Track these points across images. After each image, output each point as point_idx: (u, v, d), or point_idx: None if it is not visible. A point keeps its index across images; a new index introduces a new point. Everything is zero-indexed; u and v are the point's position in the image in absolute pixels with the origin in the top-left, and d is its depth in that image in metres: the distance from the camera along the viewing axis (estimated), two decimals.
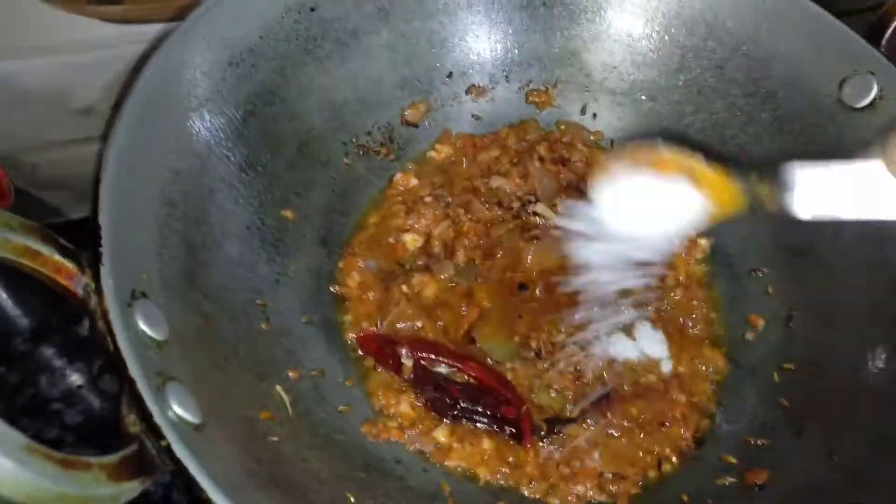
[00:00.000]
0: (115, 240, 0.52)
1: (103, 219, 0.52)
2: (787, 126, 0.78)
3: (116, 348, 0.47)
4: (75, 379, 0.79)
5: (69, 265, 0.51)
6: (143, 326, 0.50)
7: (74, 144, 0.78)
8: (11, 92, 0.72)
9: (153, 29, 0.72)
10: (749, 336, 0.74)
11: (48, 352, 0.80)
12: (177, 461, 0.44)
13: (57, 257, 0.50)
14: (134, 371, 0.46)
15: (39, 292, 0.80)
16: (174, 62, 0.63)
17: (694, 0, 0.80)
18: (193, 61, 0.65)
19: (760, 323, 0.74)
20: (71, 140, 0.78)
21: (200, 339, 0.57)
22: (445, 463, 0.65)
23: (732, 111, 0.82)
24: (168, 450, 0.44)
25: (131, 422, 0.47)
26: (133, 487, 0.43)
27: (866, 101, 0.72)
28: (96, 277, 0.50)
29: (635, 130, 0.87)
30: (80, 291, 0.51)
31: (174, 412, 0.47)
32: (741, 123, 0.81)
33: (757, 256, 0.78)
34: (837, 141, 0.74)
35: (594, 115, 0.88)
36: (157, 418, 0.45)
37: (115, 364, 0.47)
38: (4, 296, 0.76)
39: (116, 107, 0.62)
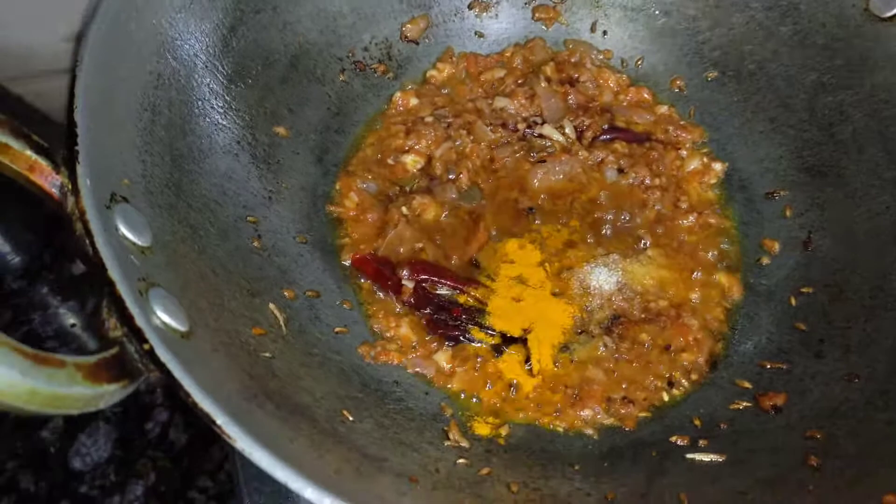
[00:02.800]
0: (93, 140, 0.48)
1: (79, 116, 0.48)
2: (808, 40, 0.73)
3: (95, 249, 0.44)
4: (69, 317, 0.77)
5: (43, 163, 0.47)
6: (123, 230, 0.47)
7: (61, 75, 0.74)
8: None
9: None
10: (764, 261, 0.71)
11: (42, 290, 0.78)
12: (160, 365, 0.41)
13: (29, 153, 0.47)
14: (114, 272, 0.43)
15: (31, 230, 0.77)
16: None
17: None
18: None
19: (776, 247, 0.71)
20: (58, 70, 0.73)
21: (188, 250, 0.54)
22: (447, 386, 0.63)
23: (751, 26, 0.77)
24: (151, 353, 0.41)
25: (112, 325, 0.44)
26: (113, 391, 0.41)
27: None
28: (73, 177, 0.46)
29: (648, 49, 0.82)
30: (55, 192, 0.48)
31: (158, 317, 0.44)
32: (760, 39, 0.76)
33: (774, 178, 0.74)
34: (863, 55, 0.70)
35: (604, 33, 0.83)
36: (139, 321, 0.42)
37: (94, 266, 0.44)
38: None
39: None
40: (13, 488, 0.68)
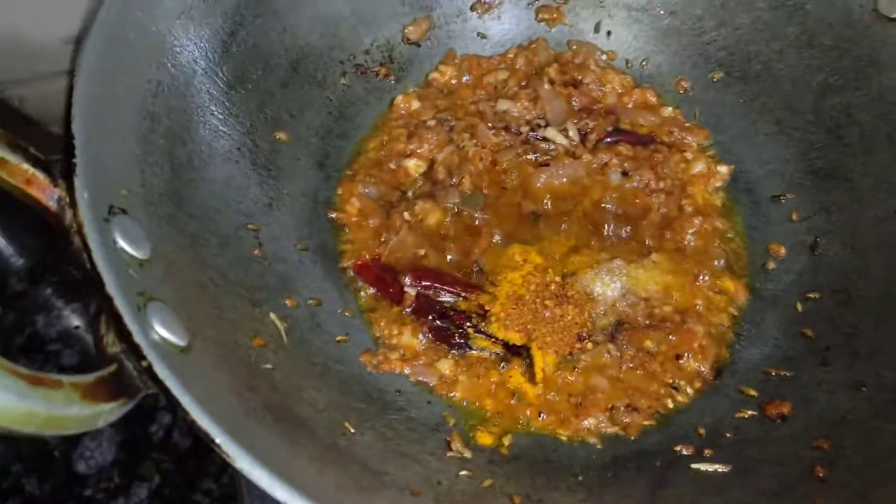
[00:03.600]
0: (91, 151, 0.48)
1: (77, 127, 0.48)
2: (815, 40, 0.72)
3: (93, 264, 0.44)
4: (73, 320, 0.77)
5: (40, 176, 0.47)
6: (122, 243, 0.47)
7: (63, 77, 0.74)
8: None
9: None
10: (771, 265, 0.70)
11: (45, 292, 0.78)
12: (158, 382, 0.41)
13: (26, 166, 0.46)
14: (112, 288, 0.43)
15: (35, 233, 0.77)
16: None
17: None
18: None
19: (783, 251, 0.70)
20: (60, 72, 0.72)
21: (187, 261, 0.53)
22: (450, 395, 0.62)
23: (757, 26, 0.76)
24: (149, 370, 0.41)
25: (110, 342, 0.43)
26: (111, 409, 0.40)
27: None
28: (70, 189, 0.46)
29: (652, 49, 0.81)
30: (53, 205, 0.48)
31: (157, 332, 0.44)
32: (766, 39, 0.75)
33: (780, 181, 0.73)
34: (871, 56, 0.69)
35: (608, 34, 0.82)
36: (137, 337, 0.41)
37: (92, 281, 0.44)
38: None
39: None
40: (18, 491, 0.68)
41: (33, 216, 0.76)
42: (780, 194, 0.73)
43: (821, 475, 0.51)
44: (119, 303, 0.42)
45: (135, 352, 0.41)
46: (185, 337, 0.46)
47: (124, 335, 0.42)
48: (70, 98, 0.49)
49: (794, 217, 0.71)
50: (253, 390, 0.49)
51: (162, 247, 0.51)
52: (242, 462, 0.39)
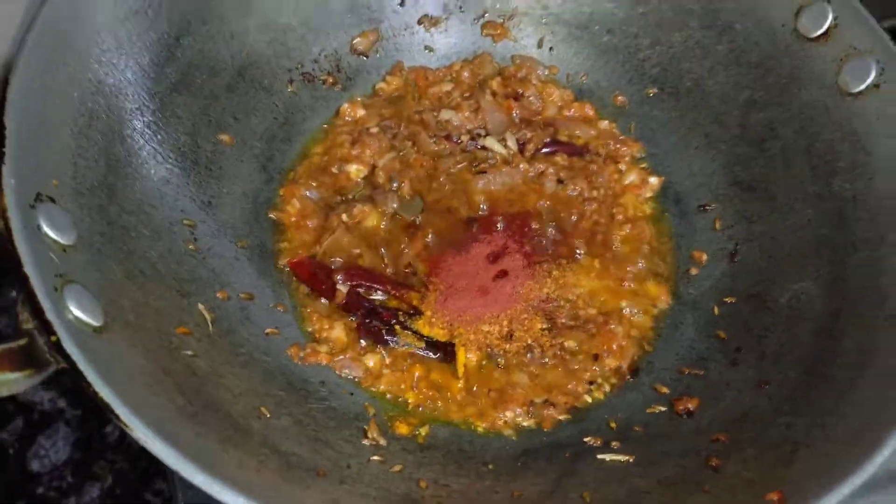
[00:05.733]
0: (23, 142, 0.50)
1: (9, 117, 0.50)
2: (743, 58, 0.76)
3: (13, 245, 0.46)
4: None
5: None
6: (46, 229, 0.49)
7: None
8: None
9: None
10: (693, 271, 0.73)
11: None
12: (66, 356, 0.43)
13: None
14: (28, 268, 0.45)
15: None
16: None
17: None
18: None
19: (705, 258, 0.73)
20: None
21: (114, 250, 0.56)
22: (374, 387, 0.65)
23: (689, 44, 0.79)
24: (57, 345, 0.43)
25: (25, 318, 0.46)
26: (16, 378, 0.42)
27: (821, 31, 0.70)
28: None
29: (592, 65, 0.85)
30: None
31: (71, 312, 0.46)
32: (698, 57, 0.79)
33: (707, 192, 0.77)
34: (792, 74, 0.72)
35: (551, 49, 0.86)
36: (48, 314, 0.44)
37: (12, 262, 0.46)
38: None
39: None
40: None
41: None
42: (706, 204, 0.76)
43: (714, 465, 0.53)
44: (34, 282, 0.45)
45: (46, 328, 0.44)
46: (101, 318, 0.48)
47: (37, 312, 0.44)
48: (4, 91, 0.52)
49: (718, 226, 0.74)
50: (168, 374, 0.50)
51: (90, 235, 0.53)
52: (141, 433, 0.41)
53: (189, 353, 0.55)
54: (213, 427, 0.49)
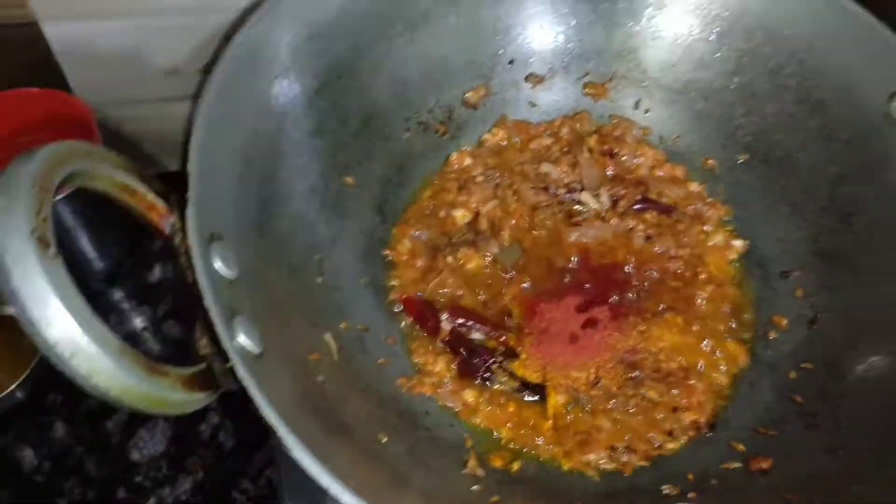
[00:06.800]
0: (201, 188, 0.58)
1: (192, 168, 0.59)
2: (834, 135, 0.80)
3: (195, 280, 0.54)
4: (139, 322, 0.87)
5: (160, 205, 0.58)
6: (218, 265, 0.57)
7: (160, 103, 0.84)
8: (90, 52, 0.77)
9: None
10: (772, 335, 0.77)
11: (118, 294, 0.88)
12: (239, 381, 0.51)
13: (150, 197, 0.58)
14: (209, 301, 0.53)
15: (117, 242, 0.88)
16: (261, 34, 0.69)
17: (753, 7, 0.82)
18: (278, 34, 0.71)
19: (784, 323, 0.77)
20: (157, 99, 0.84)
21: (264, 283, 0.64)
22: (471, 420, 0.71)
23: (782, 116, 0.84)
24: (232, 371, 0.51)
25: (203, 345, 0.54)
26: (201, 398, 0.51)
27: None
28: (182, 218, 0.57)
29: (685, 129, 0.90)
30: (167, 229, 0.59)
31: (238, 341, 0.54)
32: (790, 129, 0.83)
33: (790, 259, 0.81)
34: (881, 154, 0.76)
35: (646, 111, 0.91)
36: (226, 344, 0.51)
37: (193, 295, 0.54)
38: (86, 241, 0.84)
39: (206, 71, 0.70)
40: (78, 471, 0.76)
41: (118, 228, 0.88)
42: (789, 270, 0.80)
43: None
44: (214, 314, 0.52)
45: (222, 355, 0.52)
46: (260, 346, 0.56)
47: (215, 341, 0.52)
48: (187, 143, 0.61)
49: (799, 293, 0.78)
50: (308, 396, 0.58)
51: (245, 269, 0.62)
52: (297, 452, 0.49)
53: (320, 378, 0.63)
54: (345, 448, 0.56)
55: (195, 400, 0.50)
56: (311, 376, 0.62)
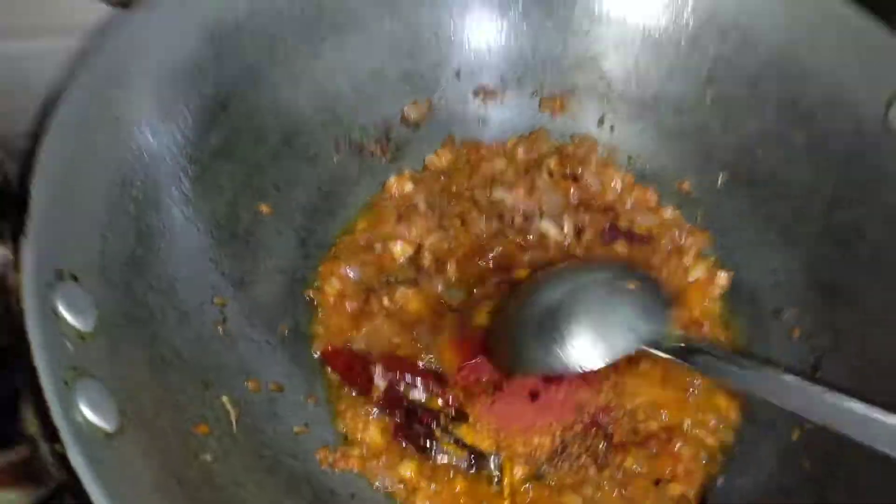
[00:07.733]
0: (49, 212, 0.46)
1: (37, 186, 0.46)
2: (824, 149, 0.70)
3: (23, 331, 0.41)
4: None
5: None
6: (64, 312, 0.44)
7: None
8: (13, 76, 0.67)
9: None
10: None
11: None
12: (70, 470, 0.37)
13: None
14: (38, 359, 0.40)
15: None
16: (145, 31, 0.57)
17: (728, 5, 0.72)
18: (167, 33, 0.59)
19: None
20: None
21: (137, 336, 0.51)
22: (410, 502, 0.58)
23: (764, 130, 0.73)
24: (62, 457, 0.37)
25: (29, 421, 0.40)
26: (11, 500, 0.36)
27: None
28: (16, 251, 0.44)
29: (656, 147, 0.80)
30: None
31: (81, 413, 0.40)
32: (774, 145, 0.73)
33: (783, 294, 0.70)
34: (878, 168, 0.66)
35: (612, 128, 0.81)
36: (56, 418, 0.38)
37: (23, 350, 0.41)
38: None
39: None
40: None
41: None
42: (781, 308, 0.69)
43: None
44: (43, 377, 0.39)
45: (50, 433, 0.38)
46: (116, 420, 0.43)
47: (42, 413, 0.38)
48: (33, 155, 0.48)
49: (796, 334, 0.67)
50: (184, 485, 0.45)
51: (111, 319, 0.48)
52: None
53: (208, 458, 0.49)
54: None
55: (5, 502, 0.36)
56: (195, 456, 0.48)
